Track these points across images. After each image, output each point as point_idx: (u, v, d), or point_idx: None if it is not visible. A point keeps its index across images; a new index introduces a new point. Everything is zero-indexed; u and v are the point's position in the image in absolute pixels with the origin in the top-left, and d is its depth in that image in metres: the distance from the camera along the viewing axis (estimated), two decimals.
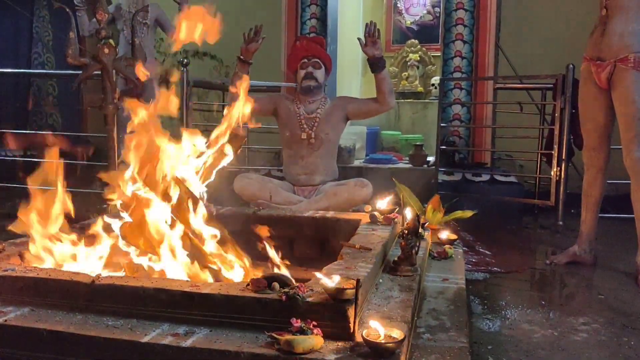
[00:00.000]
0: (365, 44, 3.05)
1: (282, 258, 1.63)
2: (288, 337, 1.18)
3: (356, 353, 1.19)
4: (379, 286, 1.66)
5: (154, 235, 1.71)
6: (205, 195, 1.95)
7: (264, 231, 1.69)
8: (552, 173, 3.76)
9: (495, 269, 2.76)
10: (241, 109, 1.97)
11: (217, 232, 1.77)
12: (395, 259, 1.84)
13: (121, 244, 1.75)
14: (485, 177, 4.35)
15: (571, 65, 3.63)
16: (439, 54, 5.60)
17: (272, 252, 1.59)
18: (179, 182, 1.79)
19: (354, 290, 1.26)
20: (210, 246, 1.74)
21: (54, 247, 1.72)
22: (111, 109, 2.37)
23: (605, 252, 3.03)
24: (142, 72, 2.08)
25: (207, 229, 1.77)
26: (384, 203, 2.30)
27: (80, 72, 2.41)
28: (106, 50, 2.32)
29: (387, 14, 6.98)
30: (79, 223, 2.02)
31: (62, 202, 1.75)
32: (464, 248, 2.83)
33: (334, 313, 1.26)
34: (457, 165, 4.53)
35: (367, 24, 3.07)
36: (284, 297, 1.28)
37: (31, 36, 6.19)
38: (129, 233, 1.74)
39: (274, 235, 1.69)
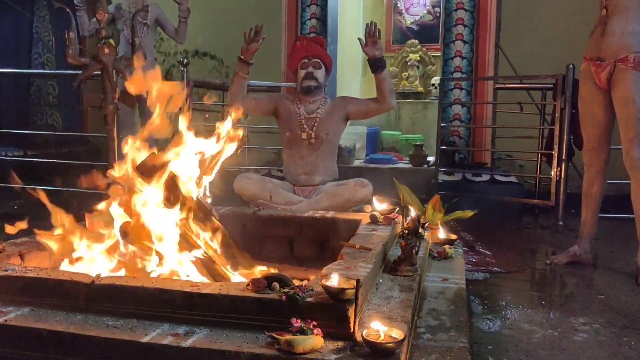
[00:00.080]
0: (365, 44, 3.05)
1: (283, 258, 1.63)
2: (288, 337, 1.18)
3: (356, 353, 1.19)
4: (379, 286, 1.66)
5: (155, 237, 1.71)
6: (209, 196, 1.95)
7: None
8: (552, 173, 3.76)
9: (495, 269, 2.76)
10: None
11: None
12: (396, 259, 1.84)
13: (122, 244, 1.75)
14: (485, 177, 4.35)
15: (571, 65, 3.64)
16: (439, 54, 5.61)
17: None
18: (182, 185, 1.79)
19: (354, 290, 1.26)
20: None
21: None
22: (111, 109, 2.37)
23: (605, 252, 3.03)
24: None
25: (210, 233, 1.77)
26: (381, 206, 2.31)
27: (80, 72, 2.41)
28: (106, 50, 2.32)
29: (387, 14, 6.98)
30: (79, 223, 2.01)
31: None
32: (464, 248, 2.83)
33: (334, 313, 1.26)
34: (457, 165, 4.53)
35: (367, 24, 3.07)
36: (284, 297, 1.28)
37: (31, 36, 6.19)
38: (129, 233, 1.74)
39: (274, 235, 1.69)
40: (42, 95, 6.27)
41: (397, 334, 1.22)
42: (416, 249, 1.84)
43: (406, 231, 1.84)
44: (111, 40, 2.39)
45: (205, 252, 1.73)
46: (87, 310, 1.40)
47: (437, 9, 6.68)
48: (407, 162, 4.94)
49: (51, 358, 1.29)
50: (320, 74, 3.23)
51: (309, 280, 1.47)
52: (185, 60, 4.15)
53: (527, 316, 2.10)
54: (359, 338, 1.23)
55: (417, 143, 4.88)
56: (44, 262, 1.82)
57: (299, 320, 1.22)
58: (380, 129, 5.90)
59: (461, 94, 4.71)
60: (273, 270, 1.73)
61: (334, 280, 1.32)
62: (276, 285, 1.35)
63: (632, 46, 2.50)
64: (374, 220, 2.20)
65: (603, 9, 2.59)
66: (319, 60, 3.24)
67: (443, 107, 4.57)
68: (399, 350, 1.20)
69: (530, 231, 3.79)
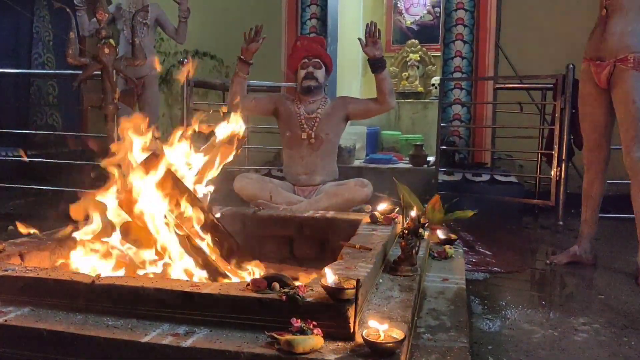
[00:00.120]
0: (365, 44, 3.05)
1: (283, 258, 1.63)
2: (288, 337, 1.18)
3: (356, 353, 1.19)
4: (379, 286, 1.66)
5: (155, 237, 1.71)
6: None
7: None
8: (552, 173, 3.76)
9: (495, 269, 2.76)
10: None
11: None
12: (396, 259, 1.84)
13: (122, 243, 1.75)
14: (485, 177, 4.35)
15: (571, 65, 3.64)
16: (439, 54, 5.61)
17: None
18: (181, 183, 1.79)
19: (354, 290, 1.26)
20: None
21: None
22: (111, 109, 2.37)
23: (605, 252, 3.03)
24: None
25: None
26: (381, 206, 2.31)
27: (80, 72, 2.41)
28: (106, 50, 2.32)
29: (387, 14, 6.98)
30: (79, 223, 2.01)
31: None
32: (464, 248, 2.83)
33: (334, 313, 1.26)
34: (457, 165, 4.53)
35: (367, 24, 3.07)
36: (284, 297, 1.28)
37: (31, 36, 6.19)
38: (129, 233, 1.74)
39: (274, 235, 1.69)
40: (42, 95, 6.27)
41: (397, 334, 1.22)
42: (416, 249, 1.84)
43: (406, 231, 1.84)
44: (111, 40, 2.39)
45: (201, 248, 1.72)
46: (87, 310, 1.40)
47: (437, 9, 6.68)
48: (407, 162, 4.93)
49: (51, 358, 1.29)
50: (320, 74, 3.23)
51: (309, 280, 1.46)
52: (185, 60, 4.15)
53: (527, 316, 2.10)
54: (359, 338, 1.23)
55: (417, 143, 4.88)
56: (44, 262, 1.82)
57: (299, 320, 1.22)
58: (380, 129, 5.90)
59: (461, 94, 4.71)
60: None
61: (334, 280, 1.32)
62: (276, 285, 1.35)
63: (632, 46, 2.50)
64: (374, 220, 2.20)
65: (603, 9, 2.59)
66: (319, 60, 3.24)
67: (443, 107, 4.57)
68: (399, 350, 1.20)
69: (530, 231, 3.79)
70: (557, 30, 5.16)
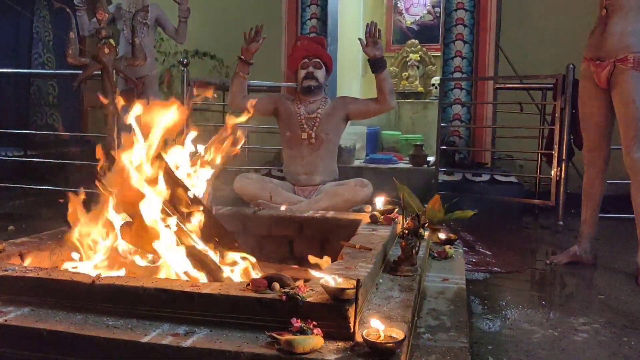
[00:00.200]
0: (366, 44, 3.05)
1: (283, 258, 1.63)
2: (288, 337, 1.17)
3: (356, 353, 1.19)
4: (379, 286, 1.66)
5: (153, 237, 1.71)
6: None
7: None
8: (552, 173, 3.76)
9: (495, 269, 2.76)
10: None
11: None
12: (396, 259, 1.84)
13: (122, 244, 1.75)
14: (485, 177, 4.35)
15: (571, 65, 3.64)
16: (439, 54, 5.60)
17: None
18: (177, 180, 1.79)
19: (354, 290, 1.26)
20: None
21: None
22: (111, 109, 2.37)
23: (605, 252, 3.03)
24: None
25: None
26: (380, 203, 2.31)
27: (80, 72, 2.41)
28: (106, 50, 2.32)
29: (387, 14, 6.97)
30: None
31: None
32: (464, 248, 2.83)
33: (334, 313, 1.26)
34: (457, 165, 4.53)
35: (368, 24, 3.07)
36: (284, 297, 1.28)
37: (31, 36, 6.20)
38: (129, 233, 1.73)
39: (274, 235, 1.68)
40: (42, 95, 6.28)
41: (397, 334, 1.22)
42: (416, 249, 1.84)
43: (406, 231, 1.84)
44: (111, 40, 2.39)
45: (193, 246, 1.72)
46: (87, 310, 1.40)
47: (437, 9, 6.68)
48: (407, 162, 4.93)
49: (51, 358, 1.29)
50: (320, 74, 3.24)
51: (309, 280, 1.46)
52: (185, 60, 4.16)
53: (527, 316, 2.10)
54: (359, 338, 1.23)
55: (417, 143, 4.88)
56: (44, 262, 1.82)
57: (299, 320, 1.22)
58: (380, 129, 5.90)
59: (461, 94, 4.71)
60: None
61: (334, 280, 1.32)
62: (276, 285, 1.35)
63: (631, 46, 2.50)
64: (374, 220, 2.20)
65: (603, 9, 2.59)
66: (319, 60, 3.24)
67: (443, 107, 4.57)
68: (399, 350, 1.20)
69: (530, 231, 3.79)
70: (557, 30, 5.16)
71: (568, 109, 3.65)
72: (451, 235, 2.51)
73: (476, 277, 2.62)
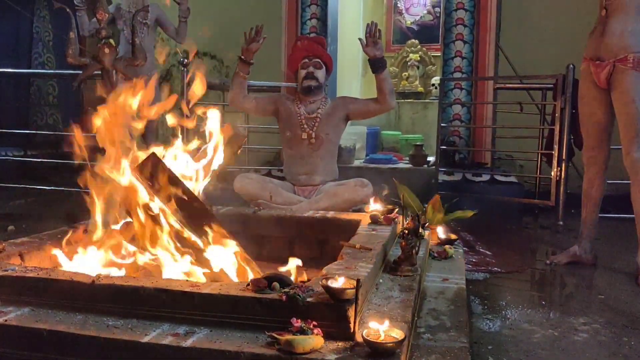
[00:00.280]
0: (366, 44, 3.05)
1: (283, 258, 1.63)
2: (288, 337, 1.18)
3: (356, 353, 1.19)
4: (379, 286, 1.66)
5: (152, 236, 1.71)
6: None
7: None
8: (552, 173, 3.76)
9: (495, 269, 2.76)
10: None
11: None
12: (396, 259, 1.84)
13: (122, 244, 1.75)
14: (485, 177, 4.35)
15: (571, 65, 3.64)
16: (439, 54, 5.60)
17: None
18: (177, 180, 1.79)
19: (354, 290, 1.26)
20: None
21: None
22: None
23: (605, 252, 3.03)
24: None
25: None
26: (376, 206, 2.32)
27: (80, 72, 2.41)
28: (106, 50, 2.32)
29: (387, 14, 6.97)
30: (79, 223, 2.02)
31: None
32: (464, 248, 2.83)
33: (334, 313, 1.26)
34: (457, 165, 4.53)
35: (368, 24, 3.07)
36: (284, 297, 1.28)
37: (31, 36, 6.20)
38: (128, 233, 1.74)
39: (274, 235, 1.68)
40: (42, 95, 6.28)
41: (397, 334, 1.22)
42: (416, 249, 1.84)
43: (406, 231, 1.84)
44: (111, 40, 2.39)
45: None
46: (87, 310, 1.40)
47: (437, 9, 6.68)
48: (407, 162, 4.93)
49: (51, 358, 1.29)
50: (320, 73, 3.23)
51: (309, 280, 1.47)
52: (185, 60, 4.15)
53: (527, 316, 2.10)
54: (359, 338, 1.23)
55: (417, 143, 4.88)
56: (44, 262, 1.82)
57: (299, 320, 1.22)
58: (380, 129, 5.90)
59: (461, 94, 4.71)
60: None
61: (335, 280, 1.32)
62: (276, 285, 1.35)
63: (631, 46, 2.50)
64: (374, 220, 2.20)
65: (603, 9, 2.59)
66: (319, 60, 3.24)
67: (443, 107, 4.57)
68: (399, 350, 1.20)
69: (530, 231, 3.79)
70: (557, 30, 5.16)
71: (568, 109, 3.65)
72: (451, 235, 2.51)
73: (476, 277, 2.62)
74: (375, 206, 2.34)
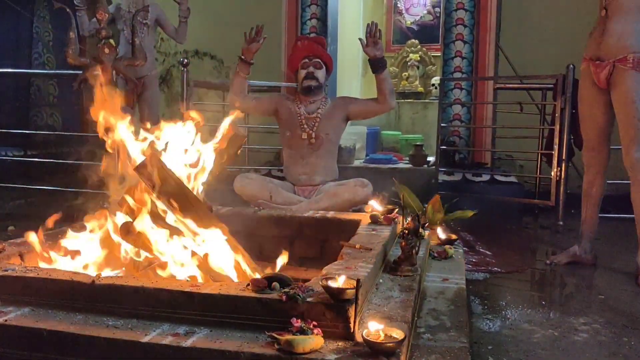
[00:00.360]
0: (366, 44, 3.05)
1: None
2: (288, 337, 1.18)
3: (356, 353, 1.19)
4: (379, 286, 1.66)
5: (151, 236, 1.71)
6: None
7: None
8: (552, 173, 3.76)
9: (495, 269, 2.76)
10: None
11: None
12: (396, 259, 1.84)
13: (122, 243, 1.75)
14: (485, 177, 4.35)
15: (571, 65, 3.64)
16: (439, 54, 5.60)
17: None
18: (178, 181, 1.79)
19: (354, 290, 1.26)
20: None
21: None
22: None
23: (605, 252, 3.03)
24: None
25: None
26: (378, 207, 2.32)
27: (81, 72, 2.41)
28: (106, 50, 2.32)
29: (387, 14, 6.97)
30: (78, 222, 2.02)
31: None
32: (464, 248, 2.83)
33: (334, 313, 1.26)
34: (457, 165, 4.53)
35: (368, 24, 3.07)
36: (284, 297, 1.28)
37: (31, 36, 6.20)
38: (128, 232, 1.73)
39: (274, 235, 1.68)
40: (42, 95, 6.28)
41: (397, 334, 1.22)
42: (416, 249, 1.84)
43: (406, 231, 1.84)
44: (111, 40, 2.40)
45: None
46: (87, 310, 1.40)
47: (437, 9, 6.68)
48: (407, 162, 4.93)
49: (51, 358, 1.29)
50: (320, 74, 3.23)
51: (309, 280, 1.46)
52: (185, 60, 4.16)
53: (527, 316, 2.10)
54: (359, 338, 1.23)
55: (417, 143, 4.88)
56: (43, 261, 1.82)
57: (299, 320, 1.22)
58: (380, 129, 5.90)
59: (461, 94, 4.71)
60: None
61: (335, 281, 1.32)
62: (276, 285, 1.35)
63: (631, 46, 2.50)
64: (374, 220, 2.20)
65: (603, 9, 2.59)
66: (319, 60, 3.24)
67: (443, 107, 4.57)
68: (399, 350, 1.20)
69: (530, 231, 3.79)
70: (557, 30, 5.16)
71: (568, 109, 3.65)
72: (451, 235, 2.51)
73: (476, 277, 2.62)
74: (375, 206, 2.34)
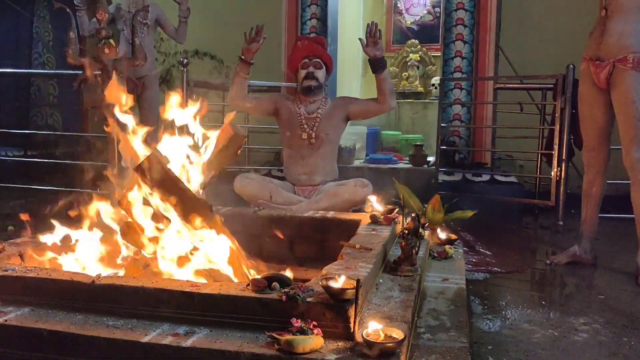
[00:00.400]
0: (366, 44, 3.05)
1: (283, 258, 1.63)
2: (288, 337, 1.18)
3: (356, 353, 1.19)
4: (379, 286, 1.66)
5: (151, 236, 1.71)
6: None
7: None
8: (552, 173, 3.76)
9: (495, 269, 2.76)
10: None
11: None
12: (396, 259, 1.84)
13: (121, 243, 1.75)
14: (485, 177, 4.34)
15: (571, 65, 3.64)
16: (439, 54, 5.60)
17: None
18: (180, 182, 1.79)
19: (354, 290, 1.26)
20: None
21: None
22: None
23: (605, 252, 3.03)
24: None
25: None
26: (379, 206, 2.32)
27: (80, 72, 2.40)
28: (106, 50, 2.32)
29: (387, 14, 6.97)
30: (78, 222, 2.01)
31: None
32: (464, 248, 2.83)
33: (334, 313, 1.26)
34: (457, 165, 4.53)
35: (368, 24, 3.07)
36: (284, 297, 1.28)
37: (31, 36, 6.20)
38: (128, 232, 1.74)
39: (274, 235, 1.68)
40: (42, 95, 6.28)
41: (397, 334, 1.22)
42: (416, 249, 1.84)
43: (406, 231, 1.84)
44: (111, 40, 2.39)
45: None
46: (87, 310, 1.40)
47: (437, 9, 6.67)
48: (407, 162, 4.93)
49: (51, 358, 1.29)
50: (320, 74, 3.24)
51: (309, 280, 1.46)
52: (185, 60, 4.16)
53: (527, 316, 2.10)
54: (359, 338, 1.23)
55: (417, 143, 4.88)
56: (44, 262, 1.82)
57: (299, 320, 1.22)
58: (380, 129, 5.90)
59: (461, 94, 4.71)
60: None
61: (335, 281, 1.32)
62: (276, 285, 1.35)
63: (631, 46, 2.50)
64: (374, 220, 2.20)
65: (603, 9, 2.59)
66: (319, 60, 3.24)
67: (443, 107, 4.57)
68: (399, 350, 1.20)
69: (530, 231, 3.79)
70: (557, 30, 5.16)
71: (568, 109, 3.65)
72: (451, 235, 2.51)
73: (476, 277, 2.62)
74: (374, 201, 2.34)
